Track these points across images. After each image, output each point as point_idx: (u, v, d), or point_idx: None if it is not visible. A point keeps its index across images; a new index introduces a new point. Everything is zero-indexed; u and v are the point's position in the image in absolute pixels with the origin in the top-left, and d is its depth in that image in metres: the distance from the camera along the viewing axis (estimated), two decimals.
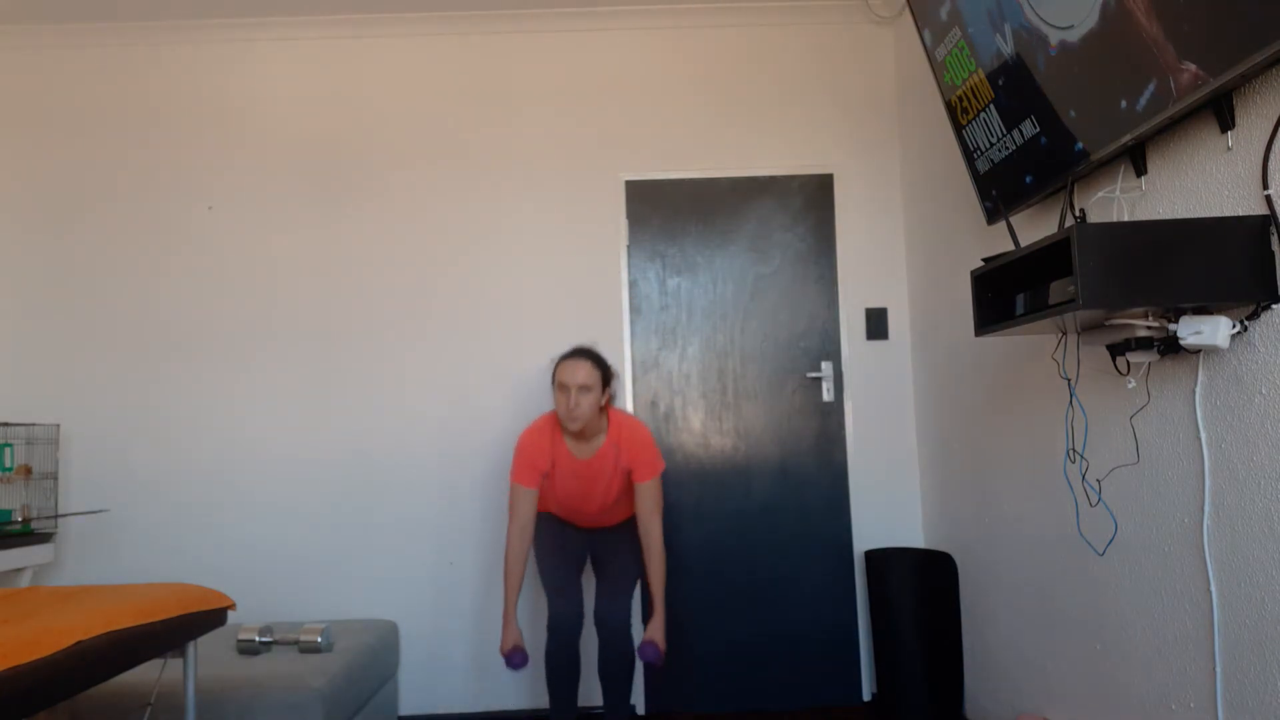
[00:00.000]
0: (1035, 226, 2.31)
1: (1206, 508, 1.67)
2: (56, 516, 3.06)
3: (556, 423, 2.57)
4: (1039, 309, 1.77)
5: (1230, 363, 1.60)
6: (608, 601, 2.57)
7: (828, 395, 3.26)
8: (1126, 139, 1.73)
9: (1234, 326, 1.56)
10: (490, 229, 3.30)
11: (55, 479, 3.09)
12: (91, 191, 3.28)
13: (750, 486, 3.24)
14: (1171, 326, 1.64)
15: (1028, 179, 2.12)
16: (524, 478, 2.51)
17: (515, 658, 2.41)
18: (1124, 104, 1.69)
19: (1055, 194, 2.14)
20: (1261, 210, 1.51)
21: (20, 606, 1.64)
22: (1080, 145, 1.87)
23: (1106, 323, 1.81)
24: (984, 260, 1.99)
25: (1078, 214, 2.05)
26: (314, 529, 3.17)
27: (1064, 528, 2.22)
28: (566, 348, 2.63)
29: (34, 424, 3.08)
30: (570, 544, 2.72)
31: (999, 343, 2.55)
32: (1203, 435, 1.67)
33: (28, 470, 3.01)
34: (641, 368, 3.27)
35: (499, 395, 3.23)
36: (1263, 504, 1.53)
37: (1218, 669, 1.65)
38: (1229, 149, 1.58)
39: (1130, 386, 1.90)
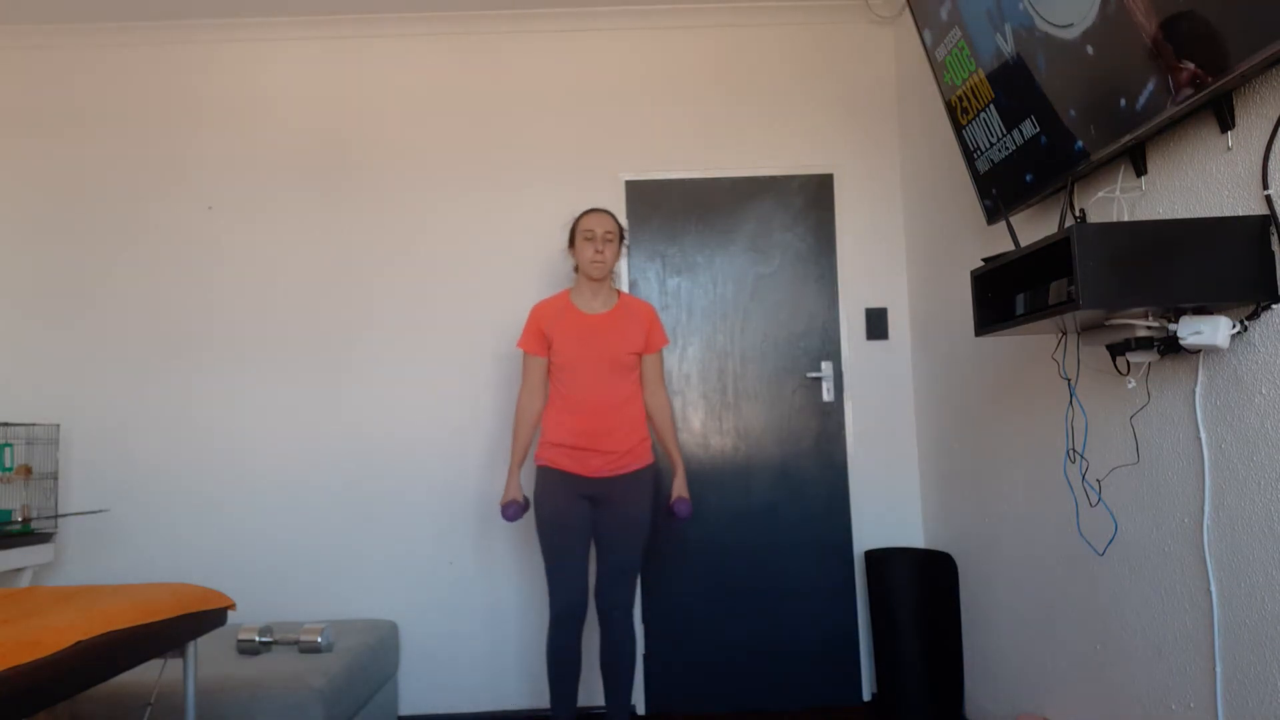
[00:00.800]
0: (1035, 226, 2.31)
1: (1206, 508, 1.67)
2: (56, 516, 3.07)
3: (566, 293, 2.71)
4: (1039, 309, 1.77)
5: (1230, 363, 1.60)
6: (611, 587, 2.56)
7: (828, 395, 3.26)
8: (1126, 139, 1.73)
9: (1234, 326, 1.56)
10: (490, 229, 3.30)
11: (55, 479, 3.09)
12: (91, 191, 3.28)
13: (750, 486, 3.24)
14: (1171, 326, 1.64)
15: (1028, 179, 2.12)
16: (526, 343, 2.68)
17: (510, 509, 2.59)
18: (1123, 103, 1.69)
19: (1055, 194, 2.14)
20: (1261, 210, 1.51)
21: (20, 606, 1.64)
22: (1080, 145, 1.87)
23: (1106, 323, 1.81)
24: (984, 260, 1.99)
25: (1077, 214, 2.05)
26: (314, 529, 3.17)
27: (1064, 528, 2.22)
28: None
29: (34, 424, 3.08)
30: (574, 522, 2.60)
31: (999, 343, 2.55)
32: (1203, 435, 1.67)
33: (28, 470, 3.01)
34: None
35: (500, 394, 3.23)
36: (1263, 504, 1.53)
37: (1218, 669, 1.65)
38: (1229, 149, 1.58)
39: (1130, 386, 1.90)
